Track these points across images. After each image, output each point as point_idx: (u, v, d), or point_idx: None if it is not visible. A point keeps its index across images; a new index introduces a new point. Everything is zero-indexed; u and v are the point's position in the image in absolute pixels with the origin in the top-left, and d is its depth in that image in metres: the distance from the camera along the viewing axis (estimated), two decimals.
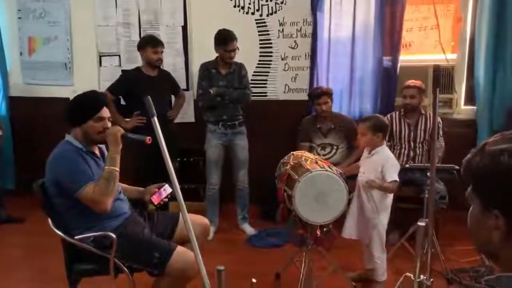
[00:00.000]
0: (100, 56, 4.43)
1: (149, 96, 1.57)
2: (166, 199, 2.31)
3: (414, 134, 3.55)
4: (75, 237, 2.07)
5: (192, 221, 2.41)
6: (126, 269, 2.08)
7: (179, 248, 2.10)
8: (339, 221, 2.68)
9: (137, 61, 4.31)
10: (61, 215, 2.17)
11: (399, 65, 3.96)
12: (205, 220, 2.48)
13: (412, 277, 2.09)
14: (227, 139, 3.65)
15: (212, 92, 3.47)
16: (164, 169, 1.65)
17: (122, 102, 3.84)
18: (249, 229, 3.76)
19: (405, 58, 4.06)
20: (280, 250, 3.45)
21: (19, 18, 4.46)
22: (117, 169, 2.07)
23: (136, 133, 2.47)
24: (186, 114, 4.27)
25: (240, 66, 3.65)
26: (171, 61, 4.24)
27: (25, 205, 4.30)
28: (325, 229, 2.66)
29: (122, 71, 4.27)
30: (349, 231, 2.76)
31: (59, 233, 2.10)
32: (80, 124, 2.15)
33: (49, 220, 2.15)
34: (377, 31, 3.97)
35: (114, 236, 2.03)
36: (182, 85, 4.19)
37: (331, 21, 4.06)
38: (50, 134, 4.50)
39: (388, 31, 3.97)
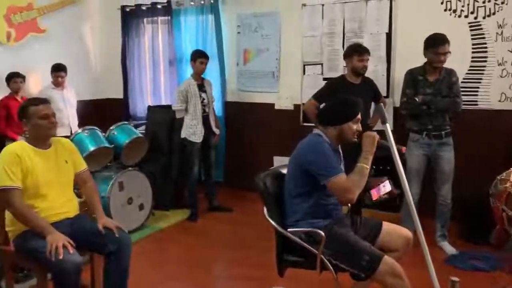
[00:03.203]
0: (304, 65, 4.72)
1: (381, 104, 1.61)
2: (385, 196, 2.31)
3: None
4: (288, 230, 2.26)
5: (394, 231, 2.40)
6: (332, 267, 2.17)
7: (387, 257, 2.10)
8: None
9: (338, 69, 4.48)
10: (284, 202, 2.38)
11: None
12: (409, 234, 2.40)
13: None
14: (431, 150, 3.46)
15: (417, 100, 3.34)
16: None
17: None
18: (449, 248, 3.49)
19: None
20: (485, 276, 3.09)
21: (238, 33, 5.09)
22: (368, 167, 2.20)
23: None
24: None
25: (450, 73, 3.42)
26: (373, 68, 4.24)
27: (233, 197, 4.92)
28: None
29: (325, 79, 4.48)
30: None
31: (273, 223, 2.31)
32: (340, 123, 2.29)
33: (265, 210, 2.38)
34: None
35: (323, 233, 2.15)
36: (383, 92, 4.15)
37: None
38: (256, 135, 5.08)
39: None
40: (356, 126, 2.30)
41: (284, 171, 2.51)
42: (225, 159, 5.24)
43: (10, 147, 2.39)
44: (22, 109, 2.45)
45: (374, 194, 2.28)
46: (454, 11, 3.95)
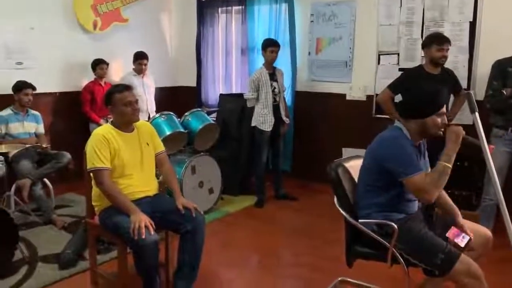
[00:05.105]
0: (379, 55, 4.59)
1: (471, 92, 1.54)
2: (461, 246, 2.13)
3: None
4: (360, 221, 2.23)
5: (472, 229, 2.29)
6: (403, 261, 2.12)
7: (464, 256, 2.02)
8: None
9: (415, 59, 4.31)
10: (356, 193, 2.36)
11: None
12: (489, 233, 2.29)
13: None
14: None
15: (505, 93, 3.13)
16: None
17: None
18: None
19: None
20: None
21: (311, 21, 5.05)
22: (450, 166, 2.08)
23: None
24: (463, 115, 3.99)
25: None
26: (453, 59, 4.03)
27: (300, 187, 4.93)
28: None
29: (401, 69, 4.33)
30: None
31: (344, 213, 2.29)
32: (423, 117, 2.17)
33: (335, 200, 2.36)
34: None
35: (395, 226, 2.10)
36: (464, 85, 3.94)
37: None
38: (326, 126, 5.03)
39: None
40: (441, 119, 2.15)
41: (356, 162, 2.48)
42: (293, 149, 5.25)
43: (98, 131, 2.57)
44: (108, 96, 2.62)
45: (451, 238, 2.15)
46: None
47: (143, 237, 2.27)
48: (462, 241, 2.15)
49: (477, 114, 1.53)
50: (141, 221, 2.32)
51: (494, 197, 3.34)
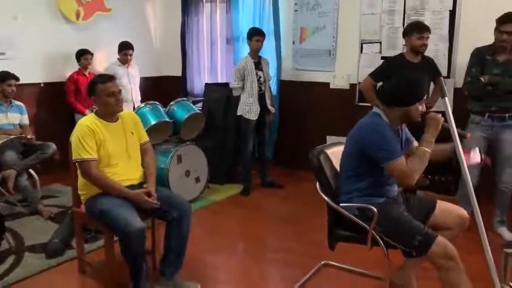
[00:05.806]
0: (362, 43, 4.65)
1: (441, 78, 1.60)
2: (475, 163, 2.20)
3: None
4: (340, 205, 2.30)
5: (449, 209, 2.39)
6: (383, 243, 2.20)
7: (441, 238, 2.09)
8: None
9: (397, 48, 4.38)
10: (338, 178, 2.42)
11: None
12: (465, 213, 2.38)
13: None
14: (493, 133, 3.33)
15: (483, 80, 3.22)
16: None
17: None
18: (508, 235, 3.39)
19: None
20: None
21: (295, 11, 5.07)
22: (430, 151, 2.16)
23: None
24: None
25: None
26: (433, 47, 4.10)
27: (284, 175, 5.00)
28: None
29: (383, 57, 4.40)
30: None
31: (326, 198, 2.36)
32: (408, 105, 2.20)
33: (317, 185, 2.43)
34: None
35: (375, 209, 2.17)
36: (444, 73, 4.03)
37: None
38: (310, 114, 5.09)
39: None
40: (421, 107, 2.23)
41: (337, 148, 2.54)
42: (277, 138, 5.30)
43: (82, 122, 2.58)
44: (90, 86, 2.62)
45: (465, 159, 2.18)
46: None
47: (159, 204, 2.52)
48: (475, 154, 2.23)
49: (447, 99, 1.61)
50: (144, 199, 2.51)
51: (473, 182, 3.41)
